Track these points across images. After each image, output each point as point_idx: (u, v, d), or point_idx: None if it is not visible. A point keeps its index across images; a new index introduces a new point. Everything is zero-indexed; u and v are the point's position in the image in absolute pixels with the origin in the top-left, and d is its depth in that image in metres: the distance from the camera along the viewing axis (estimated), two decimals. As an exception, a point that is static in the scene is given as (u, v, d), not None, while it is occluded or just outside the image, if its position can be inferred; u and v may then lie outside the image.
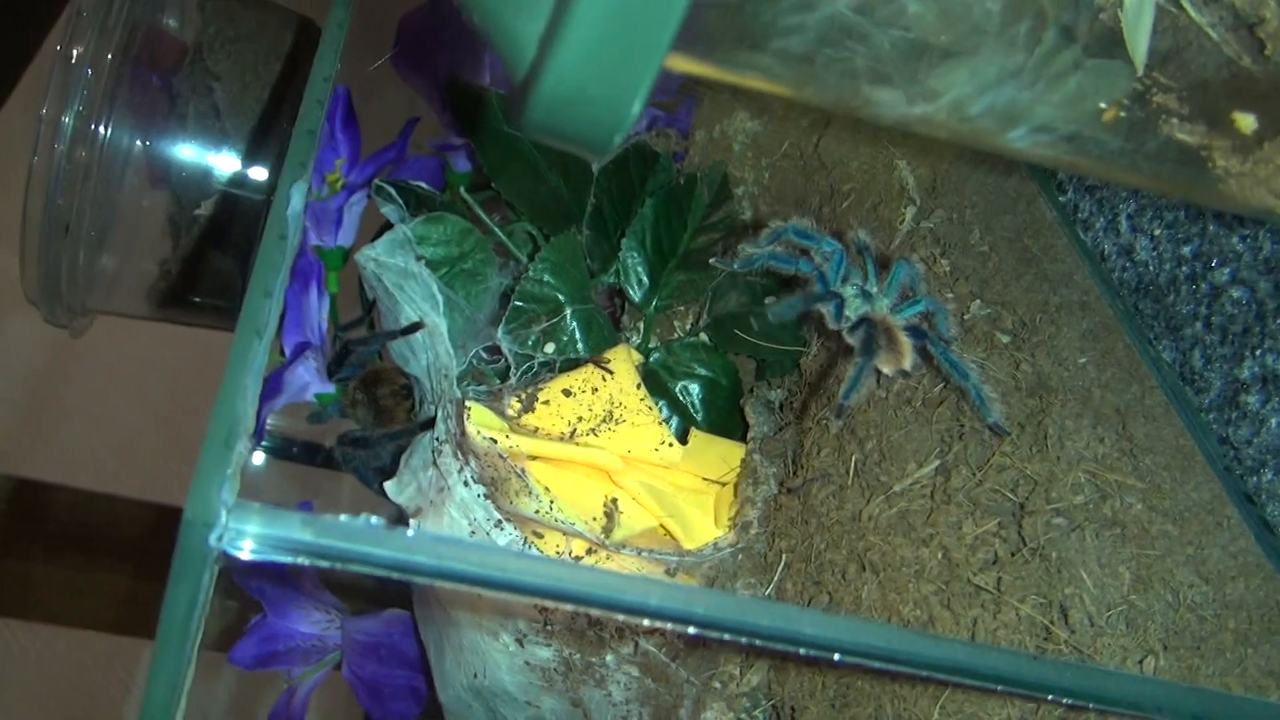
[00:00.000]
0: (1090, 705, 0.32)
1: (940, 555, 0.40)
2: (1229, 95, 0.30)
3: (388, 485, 0.56)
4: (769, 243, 0.46)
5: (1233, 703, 0.33)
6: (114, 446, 1.08)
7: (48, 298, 0.48)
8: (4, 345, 0.95)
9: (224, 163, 0.48)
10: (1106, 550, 0.38)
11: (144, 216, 0.51)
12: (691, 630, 0.27)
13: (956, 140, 0.31)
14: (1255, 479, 0.43)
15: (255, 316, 0.29)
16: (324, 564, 0.25)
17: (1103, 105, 0.33)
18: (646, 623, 0.27)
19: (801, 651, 0.29)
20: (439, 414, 0.53)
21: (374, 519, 0.25)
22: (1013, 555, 0.38)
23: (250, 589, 0.65)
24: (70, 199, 0.44)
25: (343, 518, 0.25)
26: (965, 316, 0.46)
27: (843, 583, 0.42)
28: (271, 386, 0.57)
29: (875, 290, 0.45)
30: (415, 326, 0.57)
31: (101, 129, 0.46)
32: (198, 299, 0.52)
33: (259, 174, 0.49)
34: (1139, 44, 0.32)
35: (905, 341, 0.43)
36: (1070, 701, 0.32)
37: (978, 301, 0.47)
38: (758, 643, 0.28)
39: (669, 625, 0.27)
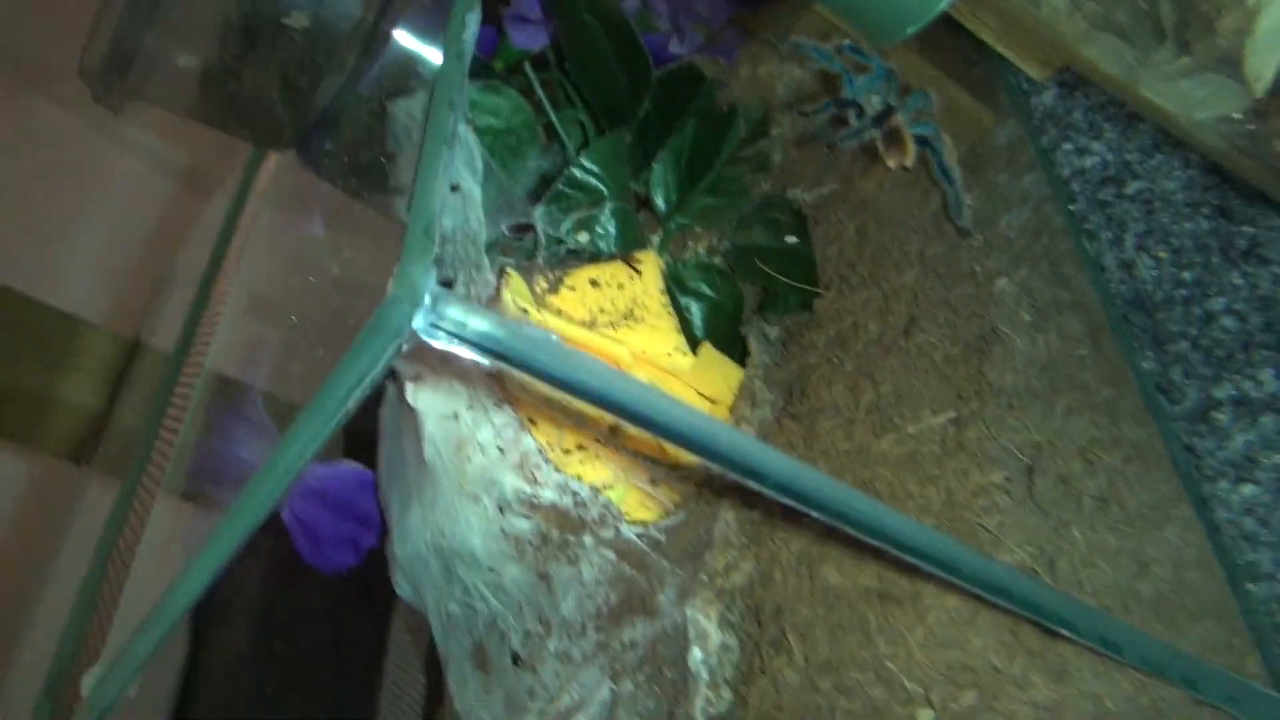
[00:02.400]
0: (1066, 633, 0.36)
1: (945, 495, 0.43)
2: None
3: (384, 339, 0.57)
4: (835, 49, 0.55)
5: (1173, 654, 0.38)
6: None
7: (108, 75, 0.47)
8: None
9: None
10: (1097, 518, 0.42)
11: (201, 11, 0.49)
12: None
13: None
14: (1211, 486, 0.48)
15: (442, 126, 0.29)
16: (502, 365, 0.26)
17: (1212, 114, 0.36)
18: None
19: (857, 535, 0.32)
20: (459, 278, 0.54)
21: (553, 336, 0.27)
22: (1017, 506, 0.42)
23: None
24: (166, -26, 0.43)
25: (528, 328, 0.26)
26: (994, 290, 0.49)
27: (844, 506, 0.45)
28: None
29: (896, 104, 0.54)
30: (452, 188, 0.57)
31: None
32: (246, 106, 0.51)
33: (350, 3, 0.48)
34: (1263, 71, 0.35)
35: (911, 144, 0.52)
36: (1053, 627, 0.36)
37: (1005, 279, 0.50)
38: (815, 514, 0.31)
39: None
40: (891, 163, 0.53)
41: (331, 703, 0.72)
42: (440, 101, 0.30)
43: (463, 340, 0.26)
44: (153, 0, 0.44)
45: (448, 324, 0.25)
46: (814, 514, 0.30)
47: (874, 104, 0.54)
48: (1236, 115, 0.35)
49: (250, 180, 0.69)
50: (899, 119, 0.53)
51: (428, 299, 0.25)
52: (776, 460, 0.29)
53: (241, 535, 0.30)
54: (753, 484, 0.29)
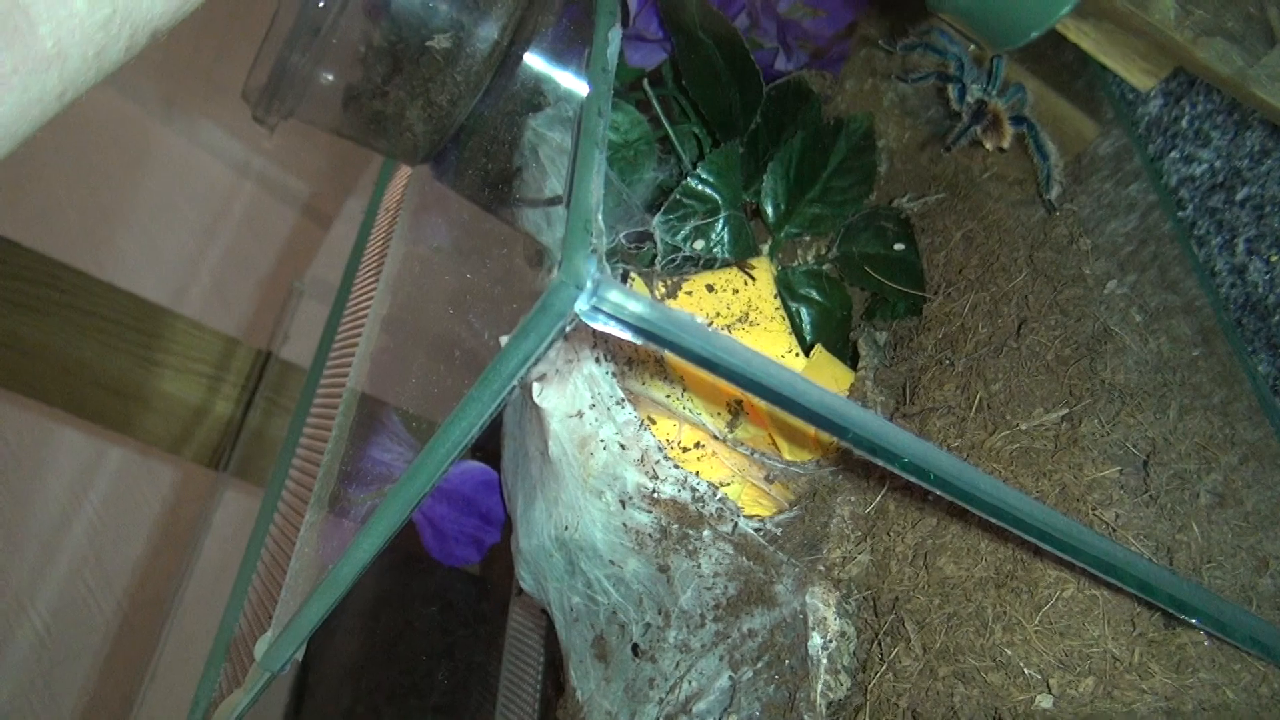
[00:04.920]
0: (1185, 616, 0.37)
1: (1059, 489, 0.44)
2: None
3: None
4: (932, 35, 0.61)
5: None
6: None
7: (269, 97, 0.51)
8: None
9: (459, 6, 0.51)
10: (1214, 514, 0.42)
11: (353, 37, 0.53)
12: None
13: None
14: (1330, 486, 0.48)
15: (593, 132, 0.32)
16: (651, 345, 0.29)
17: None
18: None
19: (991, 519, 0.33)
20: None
21: (699, 319, 0.29)
22: (1132, 499, 0.43)
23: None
24: (330, 2, 0.47)
25: (676, 311, 0.29)
26: (1105, 290, 0.50)
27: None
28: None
29: (994, 92, 0.58)
30: (557, 199, 0.60)
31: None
32: (389, 123, 0.54)
33: (488, 27, 0.51)
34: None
35: (1008, 128, 0.57)
36: (1172, 610, 0.37)
37: (1114, 280, 0.51)
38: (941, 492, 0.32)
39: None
40: (990, 144, 0.58)
41: (449, 692, 0.75)
42: (590, 111, 0.33)
43: (620, 321, 0.28)
44: (313, 29, 0.48)
45: (608, 306, 0.28)
46: (939, 491, 0.32)
47: (974, 92, 0.59)
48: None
49: (380, 196, 0.73)
50: (996, 104, 0.58)
51: (590, 284, 0.28)
52: (904, 437, 0.31)
53: (408, 505, 0.33)
54: (880, 461, 0.31)
